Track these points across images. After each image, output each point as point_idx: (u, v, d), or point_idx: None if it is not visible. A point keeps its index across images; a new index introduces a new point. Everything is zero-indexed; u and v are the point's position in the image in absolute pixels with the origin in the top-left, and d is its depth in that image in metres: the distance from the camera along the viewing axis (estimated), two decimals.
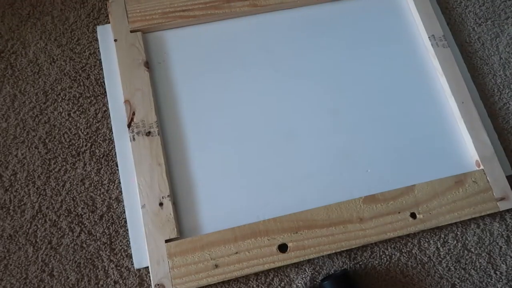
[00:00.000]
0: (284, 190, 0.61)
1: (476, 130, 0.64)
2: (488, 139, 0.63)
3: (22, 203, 0.59)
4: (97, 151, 0.62)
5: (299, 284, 0.57)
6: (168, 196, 0.58)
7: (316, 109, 0.66)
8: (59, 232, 0.57)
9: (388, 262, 0.59)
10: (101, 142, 0.62)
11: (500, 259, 0.59)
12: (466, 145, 0.65)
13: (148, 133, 0.61)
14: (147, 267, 0.55)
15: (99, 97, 0.65)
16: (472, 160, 0.64)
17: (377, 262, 0.59)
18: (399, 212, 0.59)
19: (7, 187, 0.59)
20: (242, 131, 0.64)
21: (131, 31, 0.66)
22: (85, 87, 0.65)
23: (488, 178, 0.61)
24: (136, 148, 0.60)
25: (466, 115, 0.65)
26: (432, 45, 0.69)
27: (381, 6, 0.73)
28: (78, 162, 0.61)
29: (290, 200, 0.60)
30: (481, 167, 0.62)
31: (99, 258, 0.56)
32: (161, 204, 0.57)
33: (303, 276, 0.57)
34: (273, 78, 0.67)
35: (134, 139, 0.60)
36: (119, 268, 0.56)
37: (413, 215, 0.59)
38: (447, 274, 0.58)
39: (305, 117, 0.65)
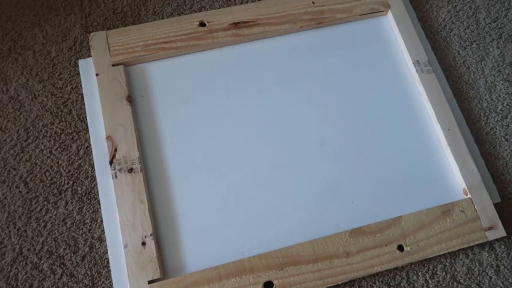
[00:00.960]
0: (270, 224, 0.60)
1: (462, 158, 0.63)
2: (475, 166, 0.63)
3: (2, 245, 0.58)
4: (79, 189, 0.61)
5: None
6: (151, 234, 0.57)
7: (301, 139, 0.65)
8: (40, 275, 0.56)
9: None
10: (83, 179, 0.61)
11: None
12: (453, 173, 0.64)
13: (131, 170, 0.60)
14: None
15: (81, 133, 0.64)
16: (460, 188, 0.63)
17: None
18: (386, 245, 0.58)
19: None
20: (226, 164, 0.63)
21: (113, 65, 0.66)
22: (67, 123, 0.65)
23: (475, 207, 0.61)
24: (118, 185, 0.59)
25: (452, 142, 0.64)
26: (417, 71, 0.69)
27: (365, 32, 0.73)
28: (59, 201, 0.60)
29: (275, 234, 0.59)
30: (469, 195, 0.61)
31: None
32: (143, 243, 0.56)
33: None
34: (257, 108, 0.66)
35: (116, 176, 0.59)
36: None
37: (400, 248, 0.58)
38: None
39: (290, 147, 0.64)
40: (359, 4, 0.73)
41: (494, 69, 0.72)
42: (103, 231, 0.59)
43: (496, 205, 0.62)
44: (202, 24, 0.70)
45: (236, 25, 0.70)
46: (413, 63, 0.69)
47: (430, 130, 0.66)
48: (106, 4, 0.72)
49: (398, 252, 0.58)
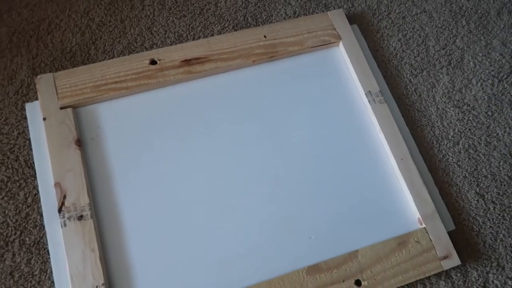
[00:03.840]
0: (226, 267, 0.59)
1: (416, 187, 0.64)
2: (428, 196, 0.64)
3: None
4: (27, 239, 0.59)
5: None
6: (102, 284, 0.55)
7: (255, 177, 0.64)
8: None
9: None
10: (31, 229, 0.59)
11: None
12: (408, 203, 0.64)
13: (80, 217, 0.58)
14: None
15: (28, 179, 0.62)
16: (414, 217, 0.63)
17: None
18: (343, 281, 0.58)
19: None
20: (180, 206, 0.62)
21: (61, 108, 0.64)
22: (14, 170, 0.62)
23: (430, 237, 0.61)
24: (67, 234, 0.57)
25: (405, 172, 0.65)
26: (369, 101, 0.69)
27: (318, 64, 0.73)
28: (6, 253, 0.58)
29: (232, 277, 0.58)
30: (423, 225, 0.62)
31: None
32: None
33: None
34: (210, 147, 0.66)
35: (65, 224, 0.58)
36: None
37: (358, 283, 0.58)
38: None
39: (244, 186, 0.64)
40: (311, 36, 0.74)
41: (445, 96, 0.74)
42: (53, 282, 0.57)
43: (450, 233, 0.63)
44: (153, 62, 0.69)
45: (187, 62, 0.69)
46: (365, 93, 0.70)
47: (384, 161, 0.67)
48: (54, 44, 0.71)
49: (355, 287, 0.58)
